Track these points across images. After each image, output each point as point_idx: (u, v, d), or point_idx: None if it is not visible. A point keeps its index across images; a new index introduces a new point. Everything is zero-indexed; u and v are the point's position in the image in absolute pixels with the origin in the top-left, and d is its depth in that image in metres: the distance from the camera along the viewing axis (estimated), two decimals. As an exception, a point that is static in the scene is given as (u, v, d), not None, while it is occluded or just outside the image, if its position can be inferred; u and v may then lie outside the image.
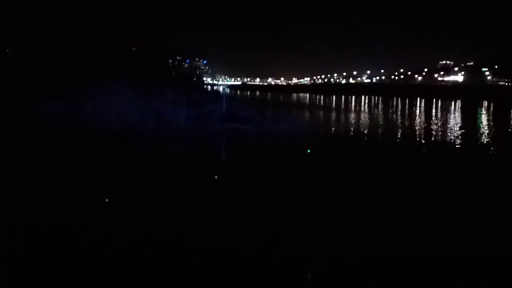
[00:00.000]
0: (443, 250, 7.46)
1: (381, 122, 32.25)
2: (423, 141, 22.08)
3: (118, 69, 36.51)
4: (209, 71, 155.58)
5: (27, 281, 6.21)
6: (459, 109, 52.91)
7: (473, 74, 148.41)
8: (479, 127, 30.85)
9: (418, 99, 76.63)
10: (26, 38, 48.07)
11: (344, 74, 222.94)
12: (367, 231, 8.30)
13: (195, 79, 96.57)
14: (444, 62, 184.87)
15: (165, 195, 10.55)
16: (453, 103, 65.70)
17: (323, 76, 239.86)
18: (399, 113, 44.69)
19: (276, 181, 12.25)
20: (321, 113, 44.40)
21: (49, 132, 20.12)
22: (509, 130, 29.74)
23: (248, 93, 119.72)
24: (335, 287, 6.27)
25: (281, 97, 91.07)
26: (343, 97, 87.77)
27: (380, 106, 59.43)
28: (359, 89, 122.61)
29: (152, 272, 6.47)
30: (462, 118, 38.63)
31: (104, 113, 22.08)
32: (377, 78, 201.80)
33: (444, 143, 21.08)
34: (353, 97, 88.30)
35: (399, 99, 78.55)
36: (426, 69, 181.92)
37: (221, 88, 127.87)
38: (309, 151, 17.29)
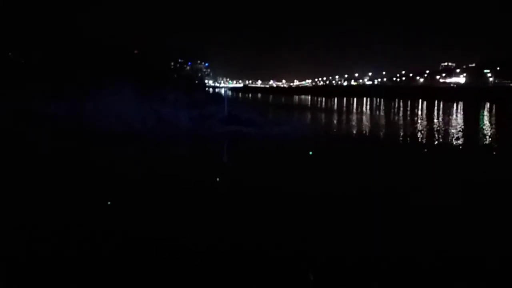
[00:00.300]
0: (444, 250, 7.44)
1: (382, 124, 32.14)
2: (424, 143, 21.98)
3: (119, 70, 36.50)
4: (211, 74, 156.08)
5: (27, 281, 6.18)
6: (461, 111, 52.82)
7: (475, 75, 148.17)
8: (482, 128, 30.75)
9: (420, 101, 76.55)
10: (25, 39, 48.07)
11: (346, 76, 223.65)
12: (367, 231, 8.26)
13: (196, 81, 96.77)
14: (445, 63, 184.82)
15: (165, 196, 10.52)
16: (455, 104, 65.61)
17: (324, 78, 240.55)
18: (400, 115, 44.60)
19: (277, 182, 12.22)
20: (323, 115, 44.33)
21: (48, 133, 20.02)
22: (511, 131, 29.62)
23: (250, 95, 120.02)
24: (335, 287, 6.22)
25: (283, 99, 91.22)
26: (344, 99, 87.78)
27: (381, 108, 59.36)
28: (361, 91, 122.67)
29: (152, 272, 6.46)
30: (464, 120, 38.50)
31: (104, 114, 22.04)
32: (379, 80, 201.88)
33: (446, 145, 21.01)
34: (355, 99, 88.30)
35: (401, 101, 78.53)
36: (427, 71, 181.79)
37: (222, 91, 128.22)
38: (311, 153, 17.17)
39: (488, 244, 7.71)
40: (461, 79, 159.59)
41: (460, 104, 66.46)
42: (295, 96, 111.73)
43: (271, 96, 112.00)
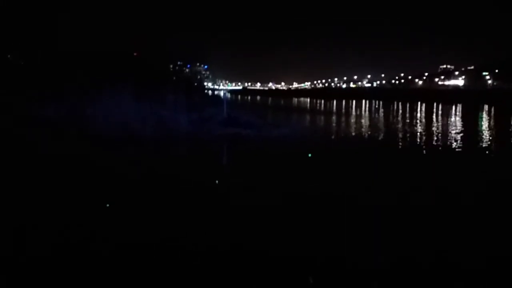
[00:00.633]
0: (444, 250, 7.46)
1: (381, 127, 32.17)
2: (423, 146, 22.02)
3: (118, 71, 36.55)
4: (210, 76, 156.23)
5: (27, 281, 6.18)
6: (460, 113, 52.90)
7: (473, 78, 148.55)
8: (480, 130, 30.80)
9: (419, 103, 76.61)
10: (25, 40, 48.15)
11: (345, 78, 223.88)
12: (367, 231, 8.26)
13: (196, 84, 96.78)
14: (444, 66, 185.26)
15: (166, 197, 10.53)
16: (454, 107, 65.69)
17: (323, 81, 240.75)
18: (399, 117, 44.66)
19: (277, 182, 12.24)
20: (322, 117, 44.39)
21: (47, 134, 20.01)
22: (510, 132, 29.67)
23: (249, 97, 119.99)
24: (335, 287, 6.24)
25: (282, 102, 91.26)
26: (343, 101, 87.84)
27: (380, 110, 59.42)
28: (360, 94, 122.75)
29: (153, 272, 6.46)
30: (463, 122, 38.56)
31: (104, 117, 22.05)
32: (378, 82, 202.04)
33: (445, 148, 21.02)
34: (354, 101, 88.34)
35: (400, 103, 78.58)
36: (426, 74, 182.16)
37: (221, 93, 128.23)
38: (310, 155, 17.21)
39: (488, 244, 7.72)
40: (460, 82, 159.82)
41: (459, 107, 66.57)
42: (294, 99, 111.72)
43: (270, 99, 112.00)
